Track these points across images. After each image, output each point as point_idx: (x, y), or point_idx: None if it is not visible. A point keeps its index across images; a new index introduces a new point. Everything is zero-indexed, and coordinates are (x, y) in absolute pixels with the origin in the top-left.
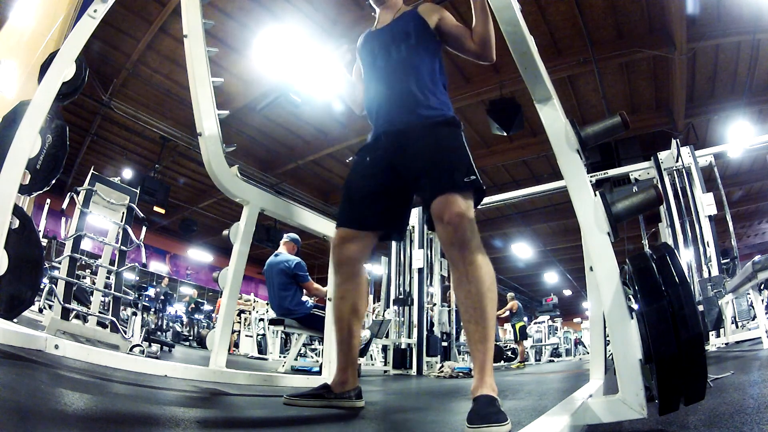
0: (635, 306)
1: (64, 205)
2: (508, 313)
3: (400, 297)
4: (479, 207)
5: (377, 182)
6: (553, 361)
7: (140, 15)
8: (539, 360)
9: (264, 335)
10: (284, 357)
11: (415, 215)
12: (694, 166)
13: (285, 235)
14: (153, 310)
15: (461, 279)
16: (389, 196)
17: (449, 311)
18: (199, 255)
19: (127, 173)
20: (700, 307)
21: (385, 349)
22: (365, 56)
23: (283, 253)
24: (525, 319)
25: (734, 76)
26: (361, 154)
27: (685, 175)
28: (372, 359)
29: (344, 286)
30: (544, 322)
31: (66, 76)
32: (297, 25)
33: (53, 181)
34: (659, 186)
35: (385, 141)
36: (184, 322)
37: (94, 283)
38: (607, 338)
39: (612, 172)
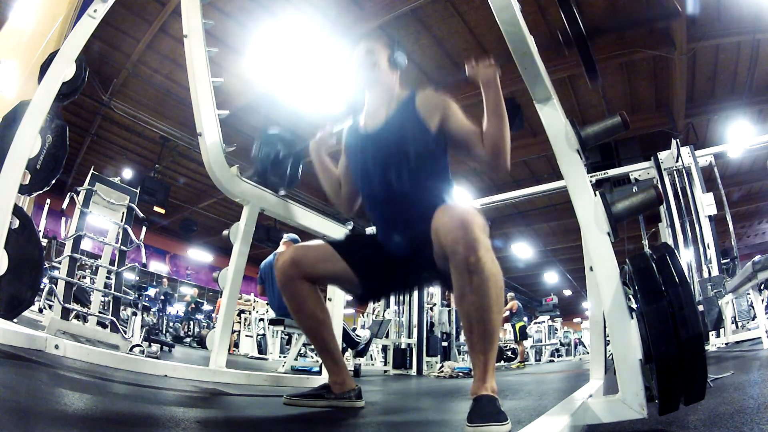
0: (635, 306)
1: (64, 205)
2: (508, 313)
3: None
4: (479, 207)
5: (383, 258)
6: (553, 361)
7: (140, 15)
8: (539, 360)
9: (264, 335)
10: (284, 357)
11: None
12: (694, 166)
13: (285, 235)
14: (153, 309)
15: (465, 290)
16: (391, 272)
17: (449, 311)
18: (199, 255)
19: (127, 173)
20: (700, 307)
21: (385, 349)
22: (355, 160)
23: None
24: (525, 319)
25: (734, 76)
26: (365, 239)
27: (685, 175)
28: (372, 359)
29: (293, 300)
30: (544, 322)
31: (66, 76)
32: (297, 25)
33: (53, 181)
34: (659, 186)
35: (395, 248)
36: (184, 322)
37: (94, 283)
38: (607, 338)
39: (612, 172)
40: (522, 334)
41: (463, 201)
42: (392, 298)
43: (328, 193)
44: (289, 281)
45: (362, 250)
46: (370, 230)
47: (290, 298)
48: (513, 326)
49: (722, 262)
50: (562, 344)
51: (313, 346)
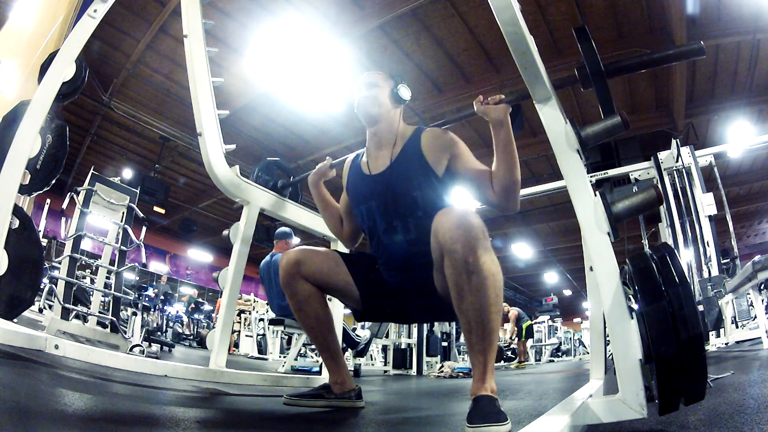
0: (635, 306)
1: (64, 205)
2: (513, 327)
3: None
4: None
5: (390, 288)
6: (553, 361)
7: (140, 15)
8: (539, 360)
9: (264, 335)
10: (284, 357)
11: None
12: (694, 166)
13: (276, 233)
14: (153, 309)
15: (463, 289)
16: (394, 303)
17: None
18: (199, 255)
19: (127, 173)
20: (700, 307)
21: (385, 349)
22: (358, 203)
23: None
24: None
25: (734, 76)
26: (374, 260)
27: (685, 175)
28: (372, 359)
29: (295, 298)
30: (544, 322)
31: (66, 76)
32: (297, 25)
33: (53, 181)
34: (659, 186)
35: (400, 285)
36: (184, 322)
37: (94, 283)
38: (607, 338)
39: (612, 172)
40: (528, 333)
41: (463, 203)
42: None
43: (328, 225)
44: (291, 279)
45: (369, 269)
46: None
47: (292, 296)
48: (519, 328)
49: (722, 262)
50: (562, 346)
51: (313, 346)
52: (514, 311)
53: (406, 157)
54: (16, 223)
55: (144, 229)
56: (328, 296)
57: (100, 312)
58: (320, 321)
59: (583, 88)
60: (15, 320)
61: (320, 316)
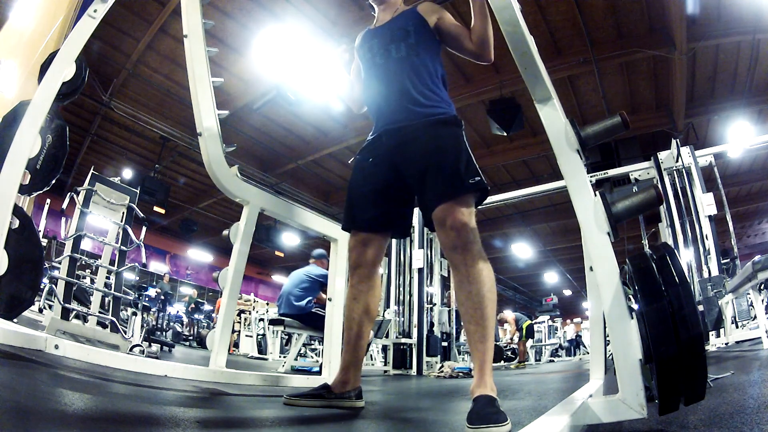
0: (635, 306)
1: (64, 205)
2: (514, 329)
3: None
4: (479, 207)
5: (380, 180)
6: (553, 361)
7: (140, 15)
8: (539, 360)
9: (264, 335)
10: (284, 357)
11: (416, 215)
12: (694, 166)
13: (314, 253)
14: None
15: (462, 281)
16: (393, 195)
17: (449, 311)
18: (199, 255)
19: (127, 173)
20: (700, 307)
21: (385, 349)
22: (364, 54)
23: (317, 267)
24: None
25: (734, 76)
26: (362, 153)
27: (685, 175)
28: (372, 359)
29: (359, 287)
30: (544, 322)
31: (66, 76)
32: (297, 25)
33: (53, 181)
34: (659, 186)
35: (387, 140)
36: (184, 322)
37: (94, 283)
38: (607, 338)
39: (612, 172)
40: (529, 333)
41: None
42: (392, 297)
43: (345, 99)
44: (372, 266)
45: (366, 201)
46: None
47: (358, 282)
48: (520, 328)
49: (722, 262)
50: (561, 347)
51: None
52: (511, 315)
53: (405, 14)
54: (16, 223)
55: (144, 229)
56: (328, 296)
57: (100, 312)
58: (367, 315)
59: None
60: (15, 320)
61: (370, 311)
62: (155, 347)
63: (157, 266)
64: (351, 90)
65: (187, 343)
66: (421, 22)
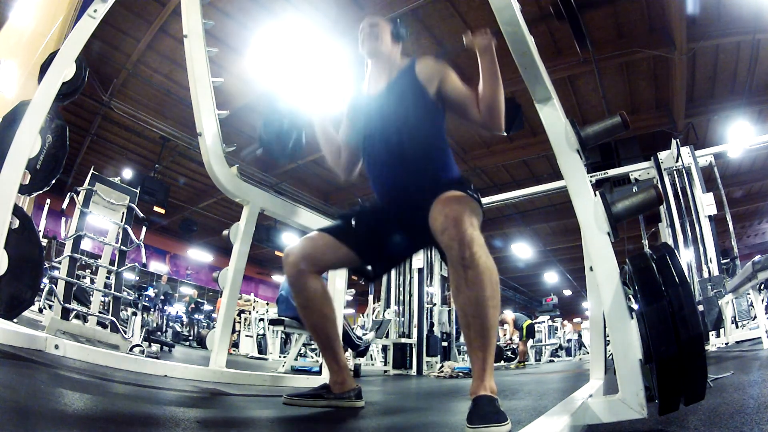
0: (635, 306)
1: (64, 205)
2: (513, 329)
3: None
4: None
5: (382, 226)
6: (553, 361)
7: (140, 15)
8: (539, 360)
9: (264, 335)
10: (284, 357)
11: None
12: (694, 166)
13: None
14: (153, 309)
15: (460, 284)
16: (391, 239)
17: (449, 311)
18: (199, 255)
19: (127, 173)
20: (700, 307)
21: (385, 349)
22: (357, 121)
23: None
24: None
25: (734, 76)
26: (364, 210)
27: (685, 175)
28: (372, 359)
29: (303, 295)
30: (544, 322)
31: (66, 76)
32: (297, 25)
33: (53, 181)
34: (659, 186)
35: (396, 208)
36: (184, 322)
37: (94, 283)
38: (607, 338)
39: (612, 172)
40: (529, 333)
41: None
42: (392, 297)
43: (328, 159)
44: (300, 275)
45: (357, 227)
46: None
47: (298, 293)
48: (519, 328)
49: (722, 262)
50: (561, 347)
51: (313, 346)
52: (510, 315)
53: (402, 79)
54: (16, 223)
55: (144, 229)
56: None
57: (100, 312)
58: (325, 318)
59: (558, 22)
60: (15, 320)
61: (326, 314)
62: (155, 347)
63: (157, 266)
64: (338, 156)
65: (187, 343)
66: (421, 94)
